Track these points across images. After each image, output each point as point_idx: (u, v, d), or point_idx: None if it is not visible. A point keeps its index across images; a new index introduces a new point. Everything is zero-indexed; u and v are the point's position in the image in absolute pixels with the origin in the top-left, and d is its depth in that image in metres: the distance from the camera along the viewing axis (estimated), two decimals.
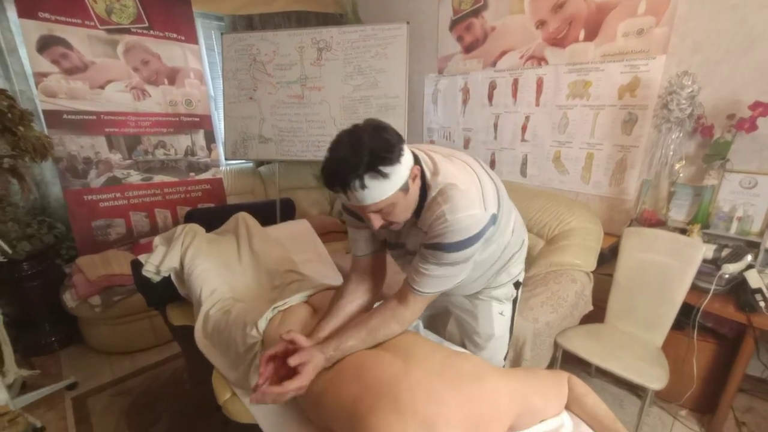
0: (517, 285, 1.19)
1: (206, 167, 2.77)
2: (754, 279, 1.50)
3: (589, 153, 2.19)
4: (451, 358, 0.83)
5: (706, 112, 1.73)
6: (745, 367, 1.47)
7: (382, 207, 0.77)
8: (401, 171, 0.75)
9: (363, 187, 0.72)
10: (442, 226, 0.79)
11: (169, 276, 1.43)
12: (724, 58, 1.71)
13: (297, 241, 1.79)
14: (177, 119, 2.63)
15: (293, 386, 0.80)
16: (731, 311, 1.48)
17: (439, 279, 0.86)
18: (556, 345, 1.61)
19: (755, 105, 1.52)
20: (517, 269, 1.16)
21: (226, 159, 2.94)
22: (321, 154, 2.67)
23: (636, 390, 1.83)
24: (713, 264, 1.58)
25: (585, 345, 1.56)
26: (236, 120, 2.81)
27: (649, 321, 1.61)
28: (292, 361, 0.81)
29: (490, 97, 2.58)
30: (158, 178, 2.57)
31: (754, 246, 1.66)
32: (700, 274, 1.54)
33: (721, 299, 1.53)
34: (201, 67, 2.70)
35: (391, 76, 2.50)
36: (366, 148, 0.71)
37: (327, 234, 2.67)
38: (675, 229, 1.81)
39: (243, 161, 3.24)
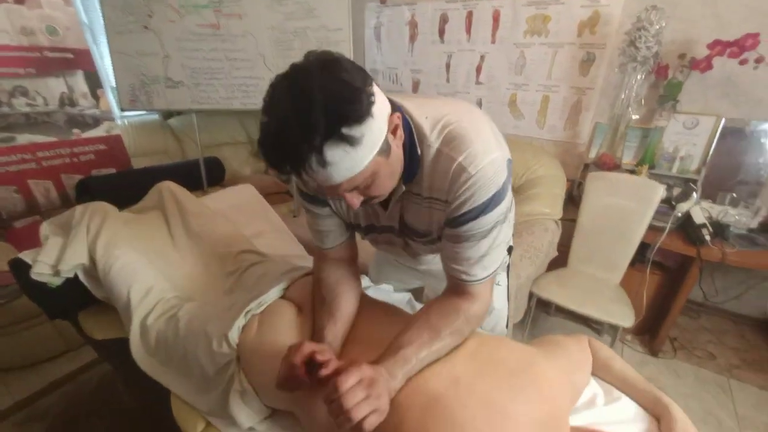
0: (509, 250, 1.08)
1: (95, 121, 2.14)
2: (698, 215, 1.62)
3: (545, 96, 2.13)
4: (488, 349, 0.70)
5: (661, 52, 1.73)
6: (688, 294, 1.64)
7: (358, 183, 0.54)
8: (375, 127, 0.51)
9: (324, 164, 0.48)
10: (468, 185, 0.59)
11: (75, 276, 1.05)
12: None
13: (243, 212, 1.48)
14: (38, 55, 1.93)
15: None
16: (680, 245, 1.60)
17: (491, 254, 0.65)
18: (530, 295, 1.62)
19: (714, 44, 1.54)
20: (510, 232, 1.05)
21: (121, 110, 2.30)
22: (251, 101, 2.25)
23: (589, 323, 1.99)
24: (666, 203, 1.67)
25: (558, 292, 1.59)
26: (129, 57, 2.16)
27: (610, 261, 1.69)
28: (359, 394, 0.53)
29: (441, 33, 2.33)
30: (24, 138, 1.91)
31: (690, 183, 1.79)
32: (655, 213, 1.62)
33: (670, 236, 1.64)
34: None
35: (329, 3, 2.09)
36: (318, 103, 0.46)
37: (267, 197, 2.31)
38: (625, 171, 1.87)
39: (145, 112, 2.60)
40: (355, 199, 0.58)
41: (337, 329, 0.72)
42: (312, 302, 0.85)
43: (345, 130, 0.47)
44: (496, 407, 0.58)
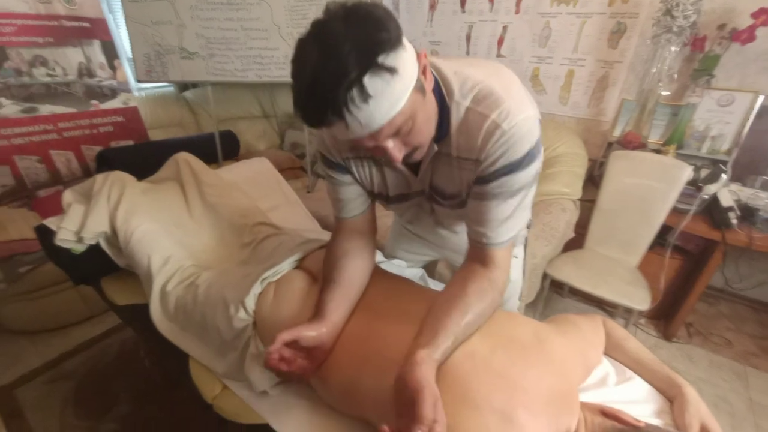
0: (528, 224, 1.07)
1: (113, 93, 2.15)
2: (725, 197, 1.56)
3: (570, 70, 2.03)
4: (505, 323, 0.70)
5: (699, 22, 1.61)
6: (709, 279, 1.59)
7: (399, 124, 0.52)
8: (408, 57, 0.50)
9: (367, 97, 0.46)
10: (502, 141, 0.57)
11: (97, 243, 1.08)
12: None
13: (259, 185, 1.48)
14: (57, 23, 1.92)
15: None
16: (705, 229, 1.54)
17: (515, 216, 0.64)
18: (544, 275, 1.60)
19: (759, 12, 1.43)
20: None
21: (138, 81, 2.30)
22: (266, 73, 2.21)
23: (603, 305, 1.96)
24: (692, 185, 1.60)
25: (573, 273, 1.56)
26: (144, 26, 2.14)
27: (628, 243, 1.65)
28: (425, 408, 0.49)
29: (463, 2, 2.23)
30: (46, 109, 1.94)
31: (720, 164, 1.70)
32: (680, 195, 1.56)
33: (694, 219, 1.58)
34: None
35: None
36: (347, 39, 0.45)
37: (281, 172, 2.32)
38: (650, 151, 1.79)
39: (161, 84, 2.60)
40: (398, 151, 0.56)
41: (337, 300, 0.72)
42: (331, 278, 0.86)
43: (381, 59, 0.46)
44: (510, 381, 0.58)
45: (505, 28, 2.14)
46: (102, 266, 1.12)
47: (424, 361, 0.54)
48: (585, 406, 0.65)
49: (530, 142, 0.58)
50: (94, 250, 1.07)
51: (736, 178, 1.69)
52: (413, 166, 0.69)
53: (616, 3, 1.81)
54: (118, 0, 2.16)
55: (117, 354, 1.65)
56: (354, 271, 0.76)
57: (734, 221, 1.49)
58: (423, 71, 0.53)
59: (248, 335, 0.80)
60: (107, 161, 1.99)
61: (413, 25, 2.49)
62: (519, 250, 1.06)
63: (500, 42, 2.19)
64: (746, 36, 1.46)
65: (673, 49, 1.56)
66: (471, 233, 0.69)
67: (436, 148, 0.63)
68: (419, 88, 0.52)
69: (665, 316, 1.86)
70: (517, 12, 2.07)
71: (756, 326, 1.86)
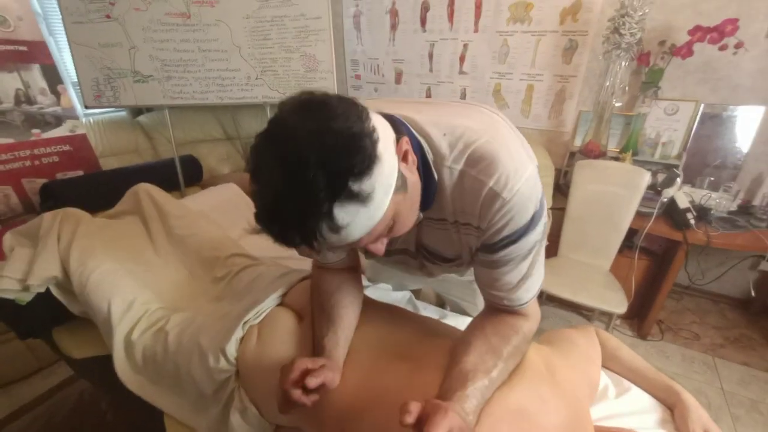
0: None
1: (57, 120, 1.98)
2: (682, 200, 1.66)
3: (530, 84, 2.12)
4: None
5: (643, 39, 1.74)
6: (675, 277, 1.68)
7: (379, 231, 0.48)
8: (386, 168, 0.44)
9: (337, 229, 0.42)
10: (504, 211, 0.52)
11: (47, 290, 0.96)
12: None
13: (228, 212, 1.40)
14: None
15: None
16: (667, 230, 1.63)
17: (533, 275, 0.60)
18: None
19: (695, 29, 1.56)
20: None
21: (85, 107, 2.14)
22: (227, 95, 2.13)
23: (580, 309, 2.02)
24: (651, 189, 1.70)
25: (552, 281, 1.59)
26: (91, 49, 2.01)
27: (599, 248, 1.71)
28: None
29: (423, 22, 2.28)
30: None
31: (671, 168, 1.82)
32: (642, 199, 1.64)
33: (656, 221, 1.67)
34: None
35: None
36: (313, 164, 0.39)
37: (249, 195, 2.23)
38: (610, 158, 1.89)
39: (112, 109, 2.44)
40: (380, 245, 0.52)
41: (337, 337, 0.67)
42: (311, 310, 0.80)
43: (352, 186, 0.41)
44: (528, 419, 0.55)
45: (465, 45, 2.21)
46: (53, 316, 0.99)
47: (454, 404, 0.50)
48: (599, 430, 0.64)
49: (534, 205, 0.54)
50: (44, 297, 0.95)
51: (687, 180, 1.81)
52: None
53: (567, 22, 1.92)
54: (59, 21, 2.01)
55: (73, 409, 1.46)
56: (349, 308, 0.72)
57: (692, 221, 1.58)
58: (404, 157, 0.49)
59: (230, 388, 0.72)
60: (53, 195, 1.82)
61: (375, 45, 2.51)
62: None
63: (462, 59, 2.25)
64: (685, 51, 1.59)
65: (623, 64, 1.66)
66: (488, 296, 0.64)
67: (421, 216, 0.57)
68: (400, 188, 0.47)
69: (638, 316, 1.93)
70: (475, 31, 2.15)
71: (718, 317, 1.97)
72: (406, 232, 0.54)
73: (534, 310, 0.65)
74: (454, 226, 0.59)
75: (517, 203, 0.52)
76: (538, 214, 0.55)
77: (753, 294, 1.86)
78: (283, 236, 0.44)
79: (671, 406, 0.73)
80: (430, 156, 0.55)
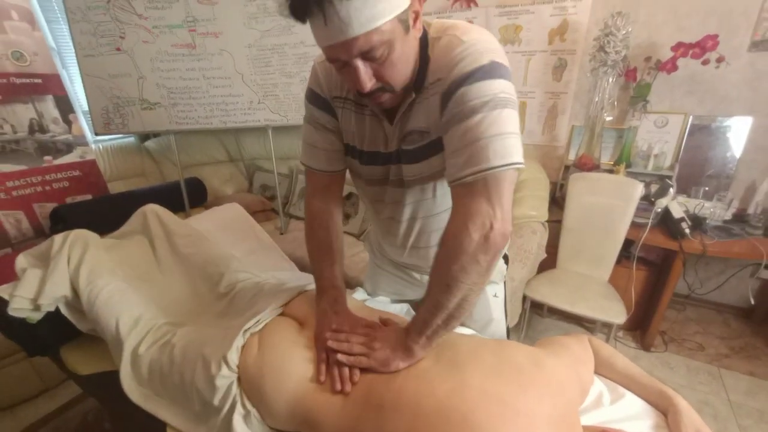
0: (506, 258, 1.05)
1: (68, 147, 2.07)
2: (676, 209, 1.68)
3: (522, 102, 2.19)
4: (495, 348, 0.70)
5: (629, 55, 1.81)
6: (674, 287, 1.69)
7: (375, 43, 0.52)
8: None
9: None
10: (459, 50, 0.57)
11: (56, 309, 0.99)
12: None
13: (232, 231, 1.44)
14: (5, 81, 1.85)
15: None
16: (663, 240, 1.65)
17: (496, 140, 0.54)
18: (524, 297, 1.63)
19: (677, 46, 1.62)
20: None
21: (96, 134, 2.23)
22: (230, 119, 2.22)
23: (582, 321, 2.01)
24: (645, 200, 1.73)
25: (550, 293, 1.61)
26: (101, 80, 2.11)
27: (597, 259, 1.72)
28: None
29: None
30: None
31: (664, 179, 1.85)
32: (636, 210, 1.67)
33: (652, 231, 1.69)
34: (28, 4, 1.92)
35: None
36: None
37: (252, 215, 2.27)
38: (604, 171, 1.93)
39: (120, 135, 2.53)
40: (367, 77, 0.56)
41: (338, 264, 0.84)
42: (312, 313, 0.84)
43: None
44: (509, 406, 0.57)
45: None
46: (61, 334, 1.03)
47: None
48: (588, 429, 0.65)
49: (488, 59, 0.56)
50: (53, 316, 0.98)
51: (681, 190, 1.84)
52: (390, 115, 0.69)
53: (555, 41, 2.00)
54: (72, 55, 2.12)
55: (76, 430, 1.47)
56: (340, 237, 0.86)
57: (687, 231, 1.61)
58: (414, 18, 0.56)
59: (233, 394, 0.74)
60: (62, 218, 1.88)
61: None
62: (500, 289, 1.04)
63: None
64: (670, 66, 1.65)
65: (610, 80, 1.73)
66: (453, 176, 0.59)
67: (414, 95, 0.64)
68: (403, 21, 0.54)
69: (640, 327, 1.93)
70: None
71: (722, 327, 1.96)
72: (395, 96, 0.62)
73: (506, 188, 0.56)
74: (431, 90, 0.62)
75: (472, 44, 0.57)
76: (491, 70, 0.56)
77: (752, 302, 1.85)
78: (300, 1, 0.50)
79: (664, 411, 0.74)
80: (429, 43, 0.62)
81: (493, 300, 1.02)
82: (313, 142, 0.79)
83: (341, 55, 0.54)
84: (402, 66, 0.58)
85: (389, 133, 0.71)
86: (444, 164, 0.63)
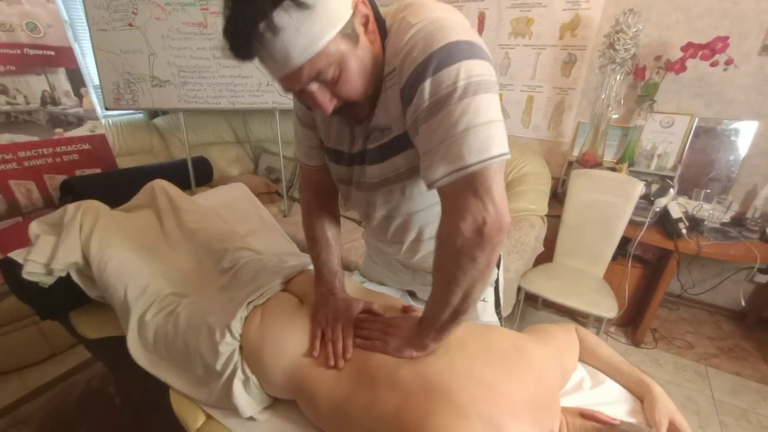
0: (497, 261, 1.00)
1: (79, 121, 2.10)
2: (675, 210, 1.70)
3: (530, 96, 2.19)
4: (483, 335, 0.73)
5: (638, 54, 1.80)
6: (667, 285, 1.71)
7: (322, 67, 0.50)
8: (336, 4, 0.48)
9: (275, 30, 0.46)
10: (410, 35, 0.51)
11: (67, 275, 1.04)
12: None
13: (236, 210, 1.48)
14: (19, 52, 1.88)
15: None
16: (659, 239, 1.67)
17: (478, 122, 0.47)
18: (519, 288, 1.67)
19: (687, 46, 1.62)
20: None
21: (106, 109, 2.26)
22: (239, 100, 2.24)
23: (575, 316, 2.05)
24: (645, 199, 1.74)
25: (545, 285, 1.64)
26: (113, 55, 2.13)
27: (593, 255, 1.75)
28: None
29: None
30: (5, 138, 1.87)
31: (667, 179, 1.87)
32: (635, 209, 1.69)
33: (649, 230, 1.71)
34: None
35: None
36: None
37: (257, 196, 2.31)
38: (606, 168, 1.94)
39: (130, 111, 2.56)
40: (326, 99, 0.54)
41: (335, 255, 0.85)
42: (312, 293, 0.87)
43: None
44: (493, 389, 0.61)
45: None
46: (71, 299, 1.07)
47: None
48: (565, 410, 0.69)
49: (445, 40, 0.48)
50: (64, 282, 1.03)
51: (682, 191, 1.86)
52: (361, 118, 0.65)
53: (566, 37, 1.99)
54: (85, 29, 2.14)
55: (83, 393, 1.54)
56: (335, 224, 0.87)
57: (684, 231, 1.63)
58: (364, 22, 0.52)
59: (235, 360, 0.79)
60: (72, 190, 1.93)
61: None
62: (489, 292, 1.01)
63: None
64: (679, 66, 1.65)
65: (618, 78, 1.73)
66: (431, 172, 0.52)
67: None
68: (349, 35, 0.50)
69: (632, 323, 1.96)
70: None
71: (713, 328, 1.99)
72: (363, 108, 0.59)
73: (497, 180, 0.50)
74: (389, 81, 0.57)
75: (425, 29, 0.50)
76: (457, 52, 0.49)
77: (743, 304, 1.88)
78: (235, 43, 0.48)
79: (641, 397, 0.78)
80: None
81: (481, 305, 1.00)
82: (296, 134, 0.80)
83: (294, 85, 0.53)
84: (358, 80, 0.54)
85: (357, 133, 0.67)
86: (408, 164, 0.63)
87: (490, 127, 0.48)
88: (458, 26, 0.51)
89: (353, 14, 0.51)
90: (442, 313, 0.62)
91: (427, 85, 0.49)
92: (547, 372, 0.70)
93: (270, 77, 0.55)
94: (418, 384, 0.63)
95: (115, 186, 2.01)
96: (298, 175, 2.55)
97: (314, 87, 0.53)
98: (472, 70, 0.48)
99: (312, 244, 0.86)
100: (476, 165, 0.48)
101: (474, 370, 0.64)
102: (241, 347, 0.80)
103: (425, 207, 0.74)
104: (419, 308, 0.74)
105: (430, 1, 0.55)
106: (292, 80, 0.52)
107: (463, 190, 0.50)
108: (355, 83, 0.54)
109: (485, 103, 0.48)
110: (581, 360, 0.89)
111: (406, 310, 0.80)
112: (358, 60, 0.53)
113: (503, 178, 0.53)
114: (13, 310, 1.51)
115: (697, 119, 1.81)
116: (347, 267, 1.40)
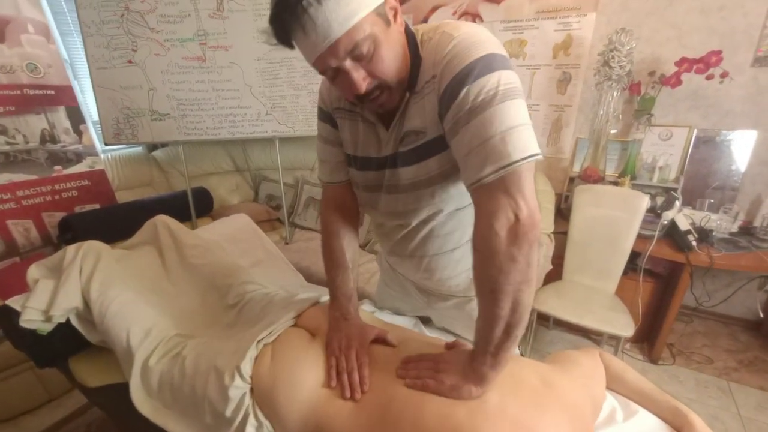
0: None
1: (78, 157, 2.09)
2: (682, 222, 1.69)
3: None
4: (510, 368, 0.69)
5: (633, 70, 1.83)
6: (681, 299, 1.68)
7: (359, 40, 0.53)
8: None
9: (319, 1, 0.50)
10: (451, 45, 0.57)
11: (67, 320, 1.00)
12: (647, 17, 1.81)
13: (239, 242, 1.45)
14: (19, 93, 1.89)
15: None
16: (670, 252, 1.64)
17: (517, 124, 0.51)
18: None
19: (681, 61, 1.64)
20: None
21: (105, 144, 2.26)
22: (238, 130, 2.25)
23: (588, 333, 2.00)
24: (651, 212, 1.73)
25: (557, 304, 1.60)
26: (113, 91, 2.15)
27: (603, 271, 1.72)
28: None
29: None
30: (4, 178, 1.85)
31: (669, 191, 1.86)
32: (642, 222, 1.67)
33: (658, 243, 1.69)
34: (44, 18, 1.96)
35: None
36: None
37: (258, 224, 2.28)
38: (609, 183, 1.94)
39: (130, 146, 2.56)
40: (360, 78, 0.57)
41: (350, 278, 0.84)
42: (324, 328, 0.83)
43: None
44: (526, 428, 0.57)
45: None
46: (71, 346, 1.03)
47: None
48: None
49: (489, 49, 0.55)
50: (63, 327, 0.99)
51: (686, 202, 1.85)
52: (386, 121, 0.69)
53: (560, 56, 2.03)
54: (85, 66, 2.16)
55: None
56: (353, 246, 0.86)
57: (694, 243, 1.60)
58: (393, 13, 0.58)
59: (246, 405, 0.74)
60: (71, 227, 1.90)
61: None
62: None
63: None
64: (674, 81, 1.67)
65: (614, 94, 1.75)
66: (471, 174, 0.55)
67: (408, 95, 0.64)
68: (382, 15, 0.55)
69: (648, 339, 1.91)
70: None
71: (730, 340, 1.94)
72: (393, 96, 0.62)
73: (528, 183, 0.53)
74: (427, 89, 0.62)
75: (466, 41, 0.56)
76: (494, 60, 0.54)
77: (761, 315, 1.84)
78: (278, 16, 0.53)
79: (679, 428, 0.74)
80: (419, 42, 0.63)
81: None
82: (321, 155, 0.83)
83: (330, 61, 0.55)
84: (392, 59, 0.58)
85: (383, 137, 0.70)
86: (439, 168, 0.66)
87: (528, 128, 0.53)
88: (493, 41, 0.57)
89: (385, 1, 0.56)
90: (493, 331, 0.56)
91: (470, 89, 0.53)
92: (581, 407, 0.67)
93: (305, 64, 0.63)
94: (450, 423, 0.59)
95: (115, 221, 1.99)
96: (299, 201, 2.54)
97: (349, 65, 0.55)
98: (508, 79, 0.53)
99: (330, 267, 0.85)
100: (520, 162, 0.51)
101: (507, 409, 0.60)
102: (252, 390, 0.76)
103: (453, 210, 0.75)
104: (466, 342, 0.70)
105: (464, 21, 0.62)
106: (329, 55, 0.54)
107: (496, 189, 0.53)
108: (388, 61, 0.58)
109: (521, 107, 0.53)
110: (608, 388, 0.85)
111: (450, 346, 0.74)
112: (390, 41, 0.57)
113: (533, 178, 0.55)
114: (9, 356, 1.45)
115: (695, 131, 1.82)
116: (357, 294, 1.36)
